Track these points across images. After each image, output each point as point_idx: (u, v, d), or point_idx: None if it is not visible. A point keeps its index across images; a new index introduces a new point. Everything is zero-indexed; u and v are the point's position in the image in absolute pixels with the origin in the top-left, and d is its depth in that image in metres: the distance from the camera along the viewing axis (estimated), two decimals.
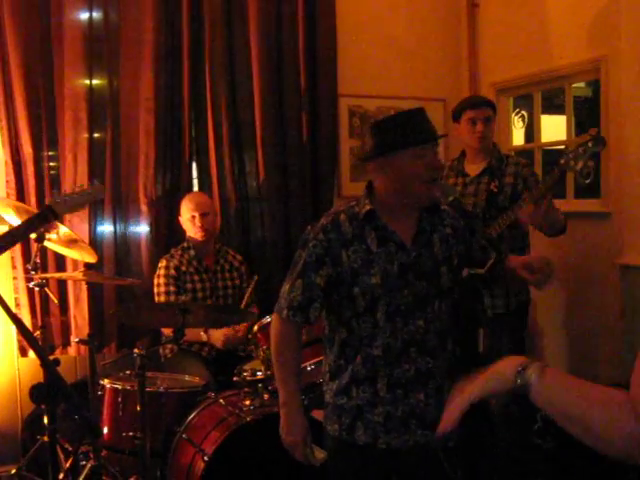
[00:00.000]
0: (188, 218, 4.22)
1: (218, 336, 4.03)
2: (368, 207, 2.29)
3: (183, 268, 4.19)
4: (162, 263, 4.20)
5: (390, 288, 2.25)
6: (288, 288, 2.36)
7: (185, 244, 4.28)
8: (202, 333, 4.05)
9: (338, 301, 2.31)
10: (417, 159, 2.21)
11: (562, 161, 3.47)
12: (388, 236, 2.29)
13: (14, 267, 4.17)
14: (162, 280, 4.15)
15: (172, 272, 4.15)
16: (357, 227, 2.29)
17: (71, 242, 3.71)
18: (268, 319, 3.35)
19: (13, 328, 3.92)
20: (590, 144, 3.46)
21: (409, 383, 2.28)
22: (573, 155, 3.45)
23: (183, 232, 4.33)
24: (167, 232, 4.49)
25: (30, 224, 2.97)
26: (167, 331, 4.03)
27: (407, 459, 2.31)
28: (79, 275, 3.74)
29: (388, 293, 2.25)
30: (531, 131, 5.11)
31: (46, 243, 3.75)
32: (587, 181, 3.52)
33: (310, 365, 3.25)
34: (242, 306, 4.06)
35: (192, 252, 4.25)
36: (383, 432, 2.29)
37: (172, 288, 4.13)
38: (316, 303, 2.32)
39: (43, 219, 3.01)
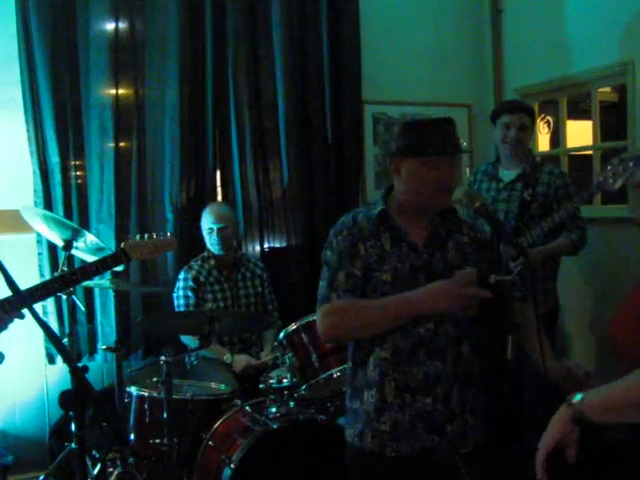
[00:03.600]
0: (206, 229, 4.22)
1: (240, 362, 4.02)
2: (381, 207, 2.33)
3: (202, 279, 4.19)
4: (181, 275, 4.21)
5: (400, 287, 2.24)
6: (330, 281, 2.29)
7: (205, 254, 4.28)
8: (226, 356, 4.04)
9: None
10: (430, 169, 2.22)
11: (601, 178, 3.43)
12: (401, 237, 2.30)
13: (42, 275, 4.20)
14: (181, 292, 4.17)
15: (190, 283, 4.15)
16: (373, 226, 2.32)
17: (98, 250, 3.74)
18: (294, 326, 3.35)
19: (41, 335, 3.95)
20: (631, 163, 3.39)
21: (417, 387, 2.25)
22: (612, 173, 3.40)
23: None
24: (193, 240, 4.50)
25: (103, 263, 3.02)
26: None
27: (419, 466, 2.26)
28: (106, 283, 3.77)
29: (398, 291, 2.23)
30: (557, 136, 5.07)
31: (73, 251, 3.79)
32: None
33: (336, 372, 3.24)
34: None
35: (212, 262, 4.25)
36: (391, 440, 2.26)
37: (191, 301, 4.13)
38: (357, 293, 2.27)
39: (116, 260, 3.06)
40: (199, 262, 4.26)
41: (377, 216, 2.32)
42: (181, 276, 4.21)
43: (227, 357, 4.03)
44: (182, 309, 4.13)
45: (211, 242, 4.22)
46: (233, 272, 4.31)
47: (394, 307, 2.20)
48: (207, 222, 4.22)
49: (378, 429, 2.27)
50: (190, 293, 4.15)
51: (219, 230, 4.18)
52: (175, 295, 4.19)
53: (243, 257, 4.42)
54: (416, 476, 2.29)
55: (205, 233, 4.25)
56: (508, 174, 3.96)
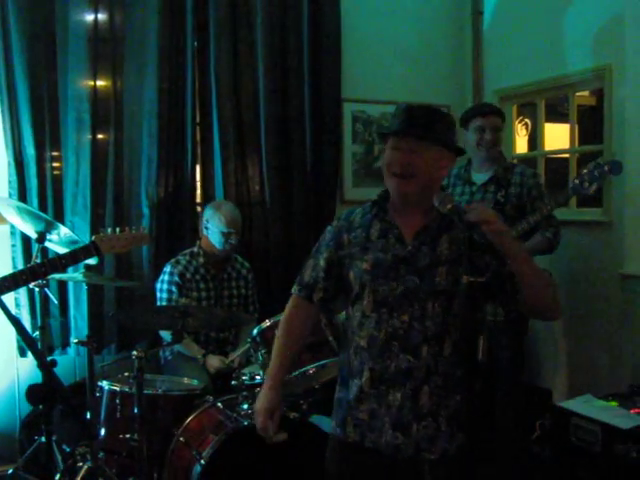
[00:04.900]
0: (222, 231, 4.13)
1: (212, 363, 4.00)
2: (376, 197, 2.36)
3: (188, 275, 4.14)
4: (167, 268, 4.15)
5: (377, 276, 2.25)
6: (301, 271, 2.47)
7: (195, 249, 4.22)
8: (199, 356, 4.03)
9: (344, 287, 2.35)
10: (389, 150, 2.26)
11: (576, 181, 3.48)
12: (390, 228, 2.30)
13: (15, 267, 4.16)
14: (165, 286, 4.12)
15: (176, 279, 4.11)
16: (367, 218, 2.35)
17: (72, 243, 3.70)
18: (267, 323, 3.35)
19: (12, 328, 3.91)
20: (607, 168, 3.46)
21: (390, 379, 2.23)
22: (588, 177, 3.45)
23: (191, 235, 4.29)
24: (168, 234, 4.49)
25: (73, 256, 2.99)
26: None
27: (388, 464, 2.25)
28: (79, 276, 3.74)
29: (375, 280, 2.25)
30: (534, 139, 5.10)
31: (47, 244, 3.75)
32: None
33: (309, 370, 3.24)
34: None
35: (201, 259, 4.19)
36: (369, 430, 2.26)
37: (174, 296, 4.10)
38: (320, 284, 2.39)
39: (87, 253, 3.03)
40: (187, 257, 4.20)
41: (372, 207, 2.35)
42: (167, 269, 4.15)
43: (199, 358, 4.01)
44: (164, 303, 4.10)
45: (221, 242, 4.15)
46: (220, 271, 4.27)
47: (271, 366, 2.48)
48: (224, 225, 4.12)
49: (358, 417, 2.28)
50: (174, 289, 4.10)
51: (235, 234, 4.15)
52: (159, 287, 4.15)
53: (231, 256, 4.35)
54: (389, 473, 2.27)
55: (215, 231, 4.14)
56: (480, 177, 3.98)
